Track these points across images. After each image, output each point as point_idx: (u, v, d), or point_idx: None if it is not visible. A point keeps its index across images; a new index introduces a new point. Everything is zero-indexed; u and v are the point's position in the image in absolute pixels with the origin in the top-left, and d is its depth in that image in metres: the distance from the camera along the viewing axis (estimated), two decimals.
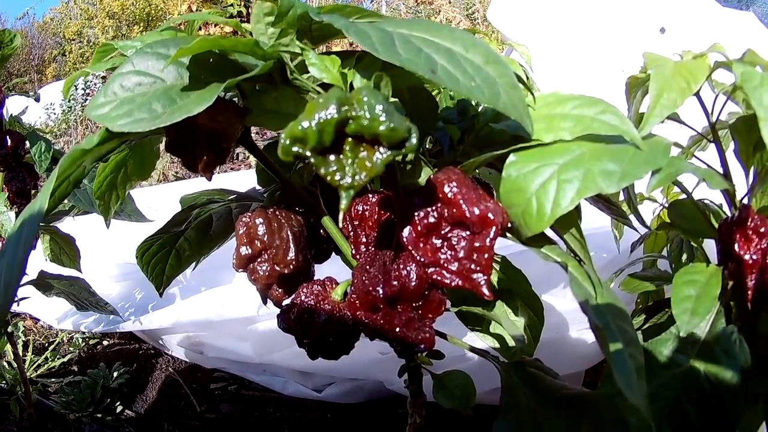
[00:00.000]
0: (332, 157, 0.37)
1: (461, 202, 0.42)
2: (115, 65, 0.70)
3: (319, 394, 1.49)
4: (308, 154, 0.36)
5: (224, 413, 1.61)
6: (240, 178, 2.85)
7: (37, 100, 1.70)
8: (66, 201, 1.50)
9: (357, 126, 0.36)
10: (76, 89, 7.56)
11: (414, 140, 0.36)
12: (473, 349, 0.69)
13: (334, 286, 0.59)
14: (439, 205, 0.44)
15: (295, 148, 0.36)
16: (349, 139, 0.37)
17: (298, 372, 1.50)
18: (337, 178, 0.37)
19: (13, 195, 1.47)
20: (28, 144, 1.45)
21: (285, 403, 1.58)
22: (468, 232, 0.44)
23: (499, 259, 0.76)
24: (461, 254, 0.44)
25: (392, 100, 0.51)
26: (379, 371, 1.32)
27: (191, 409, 1.66)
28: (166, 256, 0.80)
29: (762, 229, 0.61)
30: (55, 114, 7.55)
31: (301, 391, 1.51)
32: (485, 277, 0.42)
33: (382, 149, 0.36)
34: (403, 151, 0.36)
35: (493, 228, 0.42)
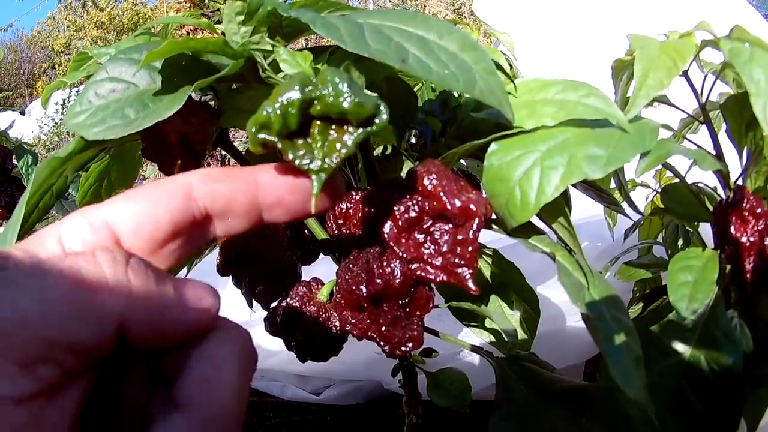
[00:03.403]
0: (301, 142, 0.36)
1: (441, 194, 0.41)
2: (90, 73, 0.69)
3: (317, 397, 1.47)
4: (275, 139, 0.35)
5: None
6: None
7: (23, 113, 1.70)
8: (55, 213, 1.48)
9: (322, 105, 0.35)
10: (70, 101, 7.54)
11: (384, 116, 0.34)
12: (466, 346, 0.67)
13: (319, 287, 0.58)
14: (419, 198, 0.43)
15: (261, 135, 0.35)
16: (317, 122, 0.36)
17: (296, 376, 1.48)
18: (306, 162, 0.35)
19: (2, 210, 1.46)
20: (15, 159, 1.45)
21: (283, 407, 1.57)
22: (450, 225, 0.42)
23: (490, 253, 0.74)
24: (444, 248, 0.42)
25: (371, 94, 0.50)
26: (376, 371, 1.30)
27: None
28: None
29: (758, 210, 0.60)
30: (47, 126, 7.53)
31: (299, 395, 1.49)
32: (470, 271, 0.41)
33: (351, 128, 0.35)
34: (374, 128, 0.34)
35: (476, 220, 0.40)
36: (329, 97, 0.34)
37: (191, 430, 0.30)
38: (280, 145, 0.35)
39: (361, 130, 0.35)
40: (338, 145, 0.35)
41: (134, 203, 0.34)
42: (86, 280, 0.30)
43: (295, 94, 0.35)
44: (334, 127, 0.36)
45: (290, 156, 0.35)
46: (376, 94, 0.36)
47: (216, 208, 0.36)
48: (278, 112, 0.35)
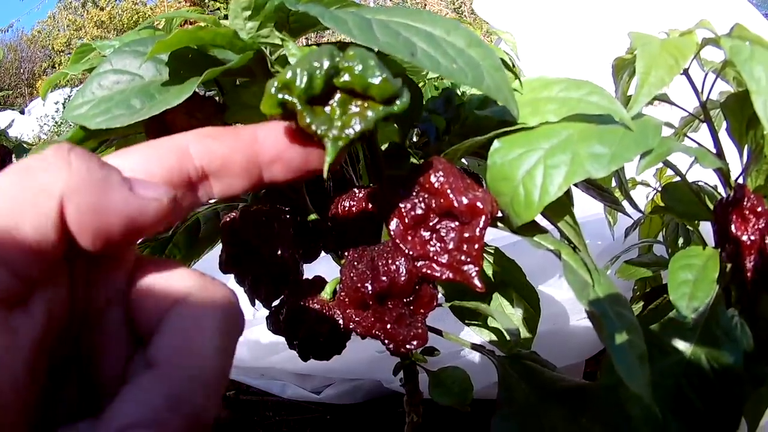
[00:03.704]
0: (320, 109, 0.36)
1: (448, 191, 0.41)
2: (93, 66, 0.69)
3: (317, 396, 1.47)
4: (295, 101, 0.35)
5: (223, 419, 1.60)
6: None
7: (22, 112, 1.70)
8: None
9: (350, 77, 0.35)
10: (69, 99, 7.53)
11: (405, 98, 0.35)
12: (467, 345, 0.68)
13: (323, 284, 0.58)
14: (425, 195, 0.43)
15: (281, 95, 0.35)
16: (339, 93, 0.36)
17: (296, 374, 1.48)
18: (324, 128, 0.35)
19: None
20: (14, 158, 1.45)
21: (284, 407, 1.57)
22: (457, 223, 0.42)
23: (492, 251, 0.75)
24: (451, 246, 0.42)
25: None
26: (376, 370, 1.30)
27: None
28: None
29: (759, 209, 0.60)
30: (48, 125, 7.51)
31: (299, 394, 1.49)
32: (476, 269, 0.41)
33: (373, 104, 0.35)
34: (395, 109, 0.35)
35: (483, 217, 0.40)
36: (357, 69, 0.34)
37: (163, 390, 0.29)
38: (299, 107, 0.35)
39: (382, 107, 0.35)
40: (357, 119, 0.35)
41: (127, 158, 0.33)
42: (27, 167, 0.29)
43: (325, 61, 0.35)
44: (355, 101, 0.36)
45: (308, 120, 0.35)
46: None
47: (213, 166, 0.35)
48: (305, 73, 0.34)
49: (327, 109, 0.36)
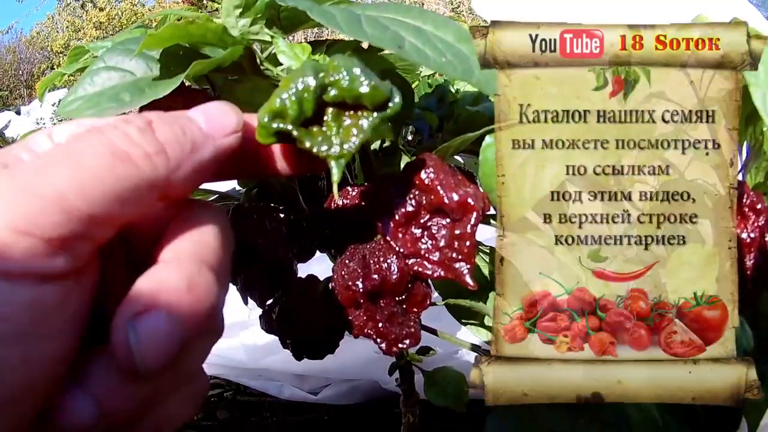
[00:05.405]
0: (316, 129, 0.36)
1: (439, 188, 0.40)
2: (87, 65, 0.69)
3: (315, 397, 1.47)
4: (290, 127, 0.35)
5: (221, 420, 1.59)
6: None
7: (18, 113, 1.71)
8: None
9: (338, 91, 0.35)
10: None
11: (398, 100, 0.35)
12: (464, 345, 0.67)
13: (316, 283, 0.57)
14: (416, 192, 0.42)
15: (275, 124, 0.35)
16: (330, 109, 0.36)
17: (293, 375, 1.48)
18: (324, 148, 0.35)
19: None
20: None
21: (281, 407, 1.56)
22: (448, 220, 0.42)
23: (488, 251, 0.74)
24: (442, 243, 0.42)
25: None
26: (373, 371, 1.30)
27: None
28: None
29: (758, 206, 0.59)
30: (45, 126, 7.51)
31: (296, 395, 1.49)
32: (468, 266, 0.40)
33: (366, 113, 0.35)
34: (389, 113, 0.35)
35: (474, 214, 0.40)
36: (344, 81, 0.34)
37: (177, 272, 0.30)
38: (295, 134, 0.35)
39: (376, 114, 0.35)
40: (354, 131, 0.35)
41: None
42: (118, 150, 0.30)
43: (311, 80, 0.35)
44: (347, 113, 0.36)
45: (307, 144, 0.35)
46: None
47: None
48: (294, 98, 0.35)
49: (323, 127, 0.36)
